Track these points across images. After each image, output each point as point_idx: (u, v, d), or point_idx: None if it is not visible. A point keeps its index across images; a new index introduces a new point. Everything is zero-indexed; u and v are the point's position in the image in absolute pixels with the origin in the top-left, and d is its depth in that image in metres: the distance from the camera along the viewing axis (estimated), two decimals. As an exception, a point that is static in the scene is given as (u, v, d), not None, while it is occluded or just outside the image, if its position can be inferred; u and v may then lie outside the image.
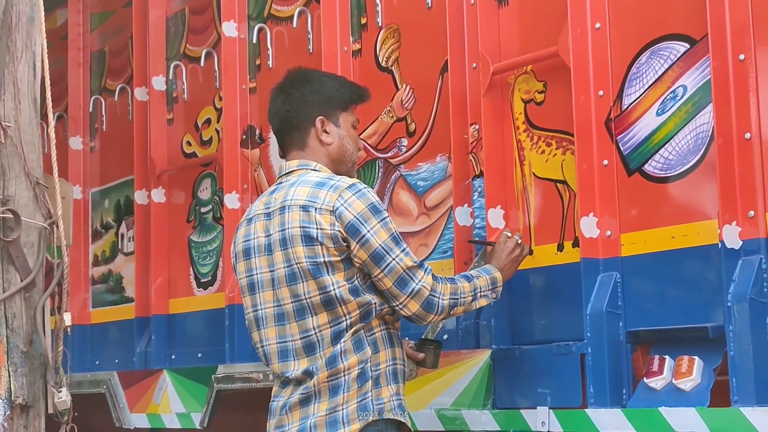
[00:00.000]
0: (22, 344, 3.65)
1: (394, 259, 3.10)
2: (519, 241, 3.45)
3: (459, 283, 3.22)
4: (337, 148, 3.30)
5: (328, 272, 3.09)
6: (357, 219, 3.09)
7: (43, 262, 3.73)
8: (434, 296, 3.14)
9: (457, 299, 3.19)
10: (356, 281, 3.11)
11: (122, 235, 5.70)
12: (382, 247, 3.09)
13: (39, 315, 3.66)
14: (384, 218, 3.13)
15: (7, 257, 3.65)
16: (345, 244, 3.09)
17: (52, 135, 3.70)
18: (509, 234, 3.48)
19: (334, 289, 3.09)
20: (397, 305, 3.14)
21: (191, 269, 5.16)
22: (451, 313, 3.20)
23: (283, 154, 3.35)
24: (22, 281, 3.65)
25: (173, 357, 5.17)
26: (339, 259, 3.09)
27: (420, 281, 3.13)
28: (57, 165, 3.73)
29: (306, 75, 3.38)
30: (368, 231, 3.09)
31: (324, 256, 3.09)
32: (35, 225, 3.70)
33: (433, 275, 3.16)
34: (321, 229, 3.09)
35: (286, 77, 3.38)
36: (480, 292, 3.26)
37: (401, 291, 3.11)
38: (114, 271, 5.74)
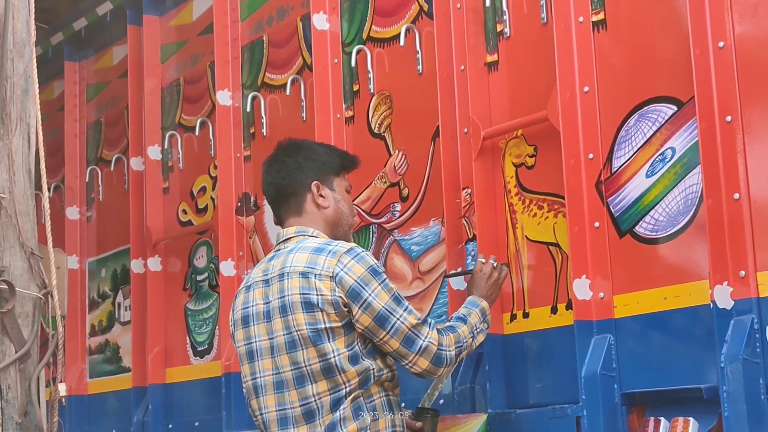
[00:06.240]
0: (16, 415, 3.64)
1: (398, 319, 3.11)
2: (495, 264, 3.50)
3: (459, 330, 3.26)
4: (333, 212, 3.33)
5: (328, 339, 3.09)
6: (358, 283, 3.10)
7: (38, 333, 3.73)
8: (442, 350, 3.16)
9: (461, 345, 3.24)
10: (356, 347, 3.11)
11: (119, 305, 5.70)
12: (386, 309, 3.10)
13: (34, 386, 3.66)
14: (383, 280, 3.14)
15: (2, 328, 3.65)
16: (346, 309, 3.10)
17: (47, 205, 3.73)
18: (483, 260, 3.51)
19: (334, 357, 3.08)
20: (406, 364, 3.15)
21: (188, 338, 5.15)
22: (458, 360, 3.23)
23: (280, 222, 3.37)
24: (16, 352, 3.65)
25: (170, 426, 5.14)
26: (340, 324, 3.09)
27: (426, 338, 3.14)
28: (53, 235, 3.75)
29: (297, 143, 3.43)
30: (370, 294, 3.09)
31: (325, 323, 3.09)
32: (30, 295, 3.71)
33: (437, 329, 3.18)
34: (321, 295, 3.10)
35: (277, 148, 3.42)
36: (476, 330, 3.31)
37: (409, 350, 3.13)
38: (111, 341, 5.73)
